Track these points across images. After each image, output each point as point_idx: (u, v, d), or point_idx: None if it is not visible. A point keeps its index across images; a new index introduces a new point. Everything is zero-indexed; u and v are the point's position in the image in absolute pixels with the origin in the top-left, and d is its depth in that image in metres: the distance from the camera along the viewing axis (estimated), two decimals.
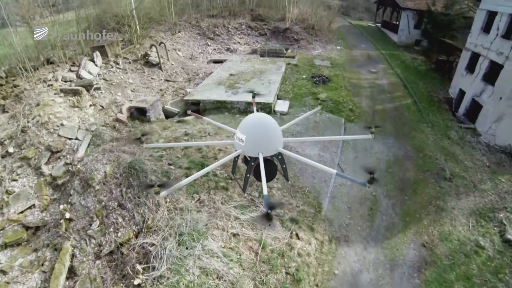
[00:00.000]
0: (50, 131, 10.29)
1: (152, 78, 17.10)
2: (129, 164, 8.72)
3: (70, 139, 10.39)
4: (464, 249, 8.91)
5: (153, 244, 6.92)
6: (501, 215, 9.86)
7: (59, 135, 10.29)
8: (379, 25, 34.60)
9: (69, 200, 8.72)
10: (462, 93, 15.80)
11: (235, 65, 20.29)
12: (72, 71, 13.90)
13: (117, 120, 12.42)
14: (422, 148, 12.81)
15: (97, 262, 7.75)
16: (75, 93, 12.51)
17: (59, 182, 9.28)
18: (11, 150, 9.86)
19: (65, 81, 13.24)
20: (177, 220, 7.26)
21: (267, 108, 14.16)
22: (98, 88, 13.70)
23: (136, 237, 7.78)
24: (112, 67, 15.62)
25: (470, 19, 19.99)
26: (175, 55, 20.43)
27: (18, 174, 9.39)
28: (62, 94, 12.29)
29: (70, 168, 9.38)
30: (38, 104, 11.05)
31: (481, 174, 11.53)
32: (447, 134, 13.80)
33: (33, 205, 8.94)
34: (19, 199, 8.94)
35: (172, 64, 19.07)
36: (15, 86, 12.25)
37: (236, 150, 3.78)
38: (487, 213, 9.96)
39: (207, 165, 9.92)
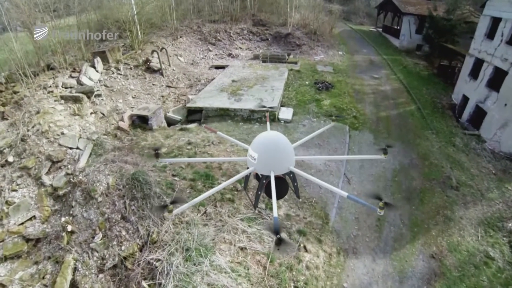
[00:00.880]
0: (51, 140, 10.08)
1: (153, 84, 16.94)
2: (132, 176, 8.52)
3: (71, 148, 10.18)
4: (473, 260, 8.77)
5: (159, 260, 6.72)
6: (510, 225, 9.75)
7: (59, 144, 10.08)
8: (380, 30, 34.73)
9: (71, 212, 8.50)
10: (465, 99, 15.76)
11: (237, 71, 20.18)
12: (72, 77, 13.72)
13: (119, 128, 12.22)
14: (428, 155, 12.71)
15: (100, 276, 7.53)
16: (76, 100, 12.32)
17: (60, 193, 9.05)
18: (10, 159, 9.63)
19: (66, 88, 13.04)
20: (183, 234, 7.06)
21: (270, 116, 14.02)
22: (99, 95, 13.52)
23: (141, 250, 7.58)
24: (113, 73, 15.46)
25: (472, 24, 20.10)
26: (176, 61, 20.30)
27: (18, 184, 9.16)
28: (62, 101, 12.09)
29: (71, 178, 9.16)
30: (38, 112, 10.85)
31: (487, 182, 11.43)
32: (451, 141, 13.72)
33: (34, 217, 8.69)
34: (19, 210, 8.71)
35: (173, 70, 18.93)
36: (15, 92, 12.04)
37: (248, 168, 3.73)
38: (496, 222, 9.84)
39: (212, 176, 9.84)
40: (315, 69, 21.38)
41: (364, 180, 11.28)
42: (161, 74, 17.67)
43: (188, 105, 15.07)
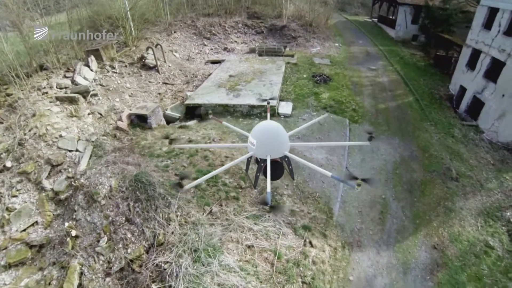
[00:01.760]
0: (49, 143, 9.87)
1: (149, 82, 16.63)
2: (135, 177, 8.43)
3: (70, 151, 10.00)
4: (474, 250, 8.97)
5: (167, 262, 6.71)
6: (508, 214, 9.96)
7: (58, 147, 9.88)
8: (375, 20, 34.48)
9: (74, 216, 8.40)
10: (463, 89, 15.85)
11: (234, 65, 19.92)
12: (66, 77, 13.36)
13: (118, 128, 12.02)
14: (427, 147, 12.83)
15: (107, 279, 7.51)
16: (72, 100, 12.04)
17: (62, 197, 8.93)
18: (8, 164, 9.42)
19: (60, 88, 12.71)
20: (190, 235, 7.05)
21: (270, 111, 13.91)
22: (95, 95, 13.23)
23: (147, 252, 7.57)
24: (108, 71, 15.11)
25: (468, 14, 20.08)
26: (172, 57, 19.92)
27: (18, 190, 8.99)
28: (58, 102, 11.80)
29: (72, 182, 9.02)
30: (34, 115, 10.58)
31: (486, 173, 11.62)
32: (450, 132, 13.85)
33: (36, 222, 8.58)
34: (20, 216, 8.57)
35: (169, 66, 18.59)
36: (8, 95, 11.69)
37: (248, 152, 4.34)
38: (495, 212, 10.05)
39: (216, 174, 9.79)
40: (312, 61, 21.22)
41: (365, 173, 11.36)
42: (157, 71, 17.34)
43: (186, 102, 14.88)
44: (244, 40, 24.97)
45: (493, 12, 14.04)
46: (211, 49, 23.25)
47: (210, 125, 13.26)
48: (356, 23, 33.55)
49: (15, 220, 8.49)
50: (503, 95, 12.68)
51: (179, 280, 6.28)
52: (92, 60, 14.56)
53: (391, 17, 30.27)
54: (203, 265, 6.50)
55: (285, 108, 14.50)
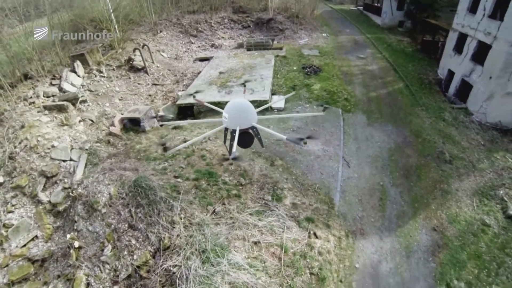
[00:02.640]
0: (41, 154, 9.59)
1: (139, 84, 16.30)
2: (135, 183, 8.31)
3: (64, 161, 9.74)
4: (471, 229, 9.28)
5: (176, 265, 6.69)
6: (501, 192, 10.30)
7: (51, 158, 9.61)
8: (361, 8, 34.54)
9: (75, 227, 8.24)
10: (451, 73, 16.13)
11: (223, 61, 19.69)
12: (53, 84, 12.95)
13: (111, 134, 11.77)
14: (420, 132, 13.08)
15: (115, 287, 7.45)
16: (61, 108, 11.69)
17: (60, 208, 8.72)
18: (0, 179, 9.12)
19: (48, 97, 12.32)
20: (197, 236, 7.03)
21: (264, 107, 13.85)
22: (84, 101, 12.89)
23: (154, 257, 7.52)
24: (95, 76, 14.71)
25: None
26: (159, 57, 19.52)
27: (13, 205, 8.73)
28: (46, 112, 11.44)
29: (70, 192, 8.82)
30: (23, 126, 10.23)
31: (478, 154, 11.95)
32: (441, 116, 14.14)
33: (36, 236, 8.37)
34: (19, 232, 8.35)
35: (157, 67, 18.24)
36: None
37: (222, 124, 5.25)
38: (488, 191, 10.38)
39: (214, 173, 9.76)
40: (301, 53, 21.18)
41: (362, 162, 11.53)
42: (146, 72, 16.99)
43: (178, 102, 14.66)
44: (231, 35, 24.66)
45: None
46: (199, 46, 22.89)
47: (204, 124, 13.14)
48: (342, 12, 33.57)
49: (14, 236, 8.27)
50: (490, 77, 12.98)
51: (190, 282, 6.28)
52: (78, 65, 14.14)
53: (376, 4, 30.39)
54: (213, 265, 6.52)
55: (278, 102, 14.46)
